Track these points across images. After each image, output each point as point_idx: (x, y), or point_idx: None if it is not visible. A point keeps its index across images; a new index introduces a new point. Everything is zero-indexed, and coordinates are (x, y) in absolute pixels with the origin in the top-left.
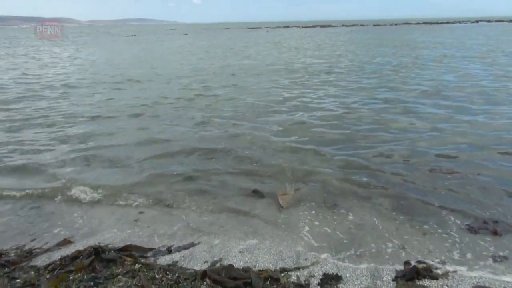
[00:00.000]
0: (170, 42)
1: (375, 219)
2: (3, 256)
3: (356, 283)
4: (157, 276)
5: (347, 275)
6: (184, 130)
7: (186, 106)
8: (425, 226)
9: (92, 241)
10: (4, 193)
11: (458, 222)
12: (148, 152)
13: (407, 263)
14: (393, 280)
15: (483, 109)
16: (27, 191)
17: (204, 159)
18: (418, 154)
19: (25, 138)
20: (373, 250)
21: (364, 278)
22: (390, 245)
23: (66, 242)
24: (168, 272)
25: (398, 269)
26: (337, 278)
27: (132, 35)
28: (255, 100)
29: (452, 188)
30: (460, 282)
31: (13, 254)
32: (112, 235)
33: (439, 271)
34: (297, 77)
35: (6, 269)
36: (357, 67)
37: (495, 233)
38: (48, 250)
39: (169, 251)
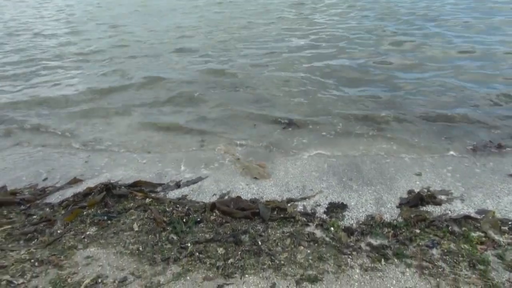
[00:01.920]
0: None
1: (380, 146)
2: (18, 194)
3: (361, 210)
4: (167, 209)
5: (352, 203)
6: None
7: None
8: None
9: (102, 179)
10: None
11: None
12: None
13: (410, 191)
14: (397, 207)
15: None
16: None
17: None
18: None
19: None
20: (377, 178)
21: (369, 205)
22: (393, 170)
23: (76, 180)
24: (178, 205)
25: (402, 197)
26: (343, 206)
27: None
28: None
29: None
30: (464, 207)
31: (27, 193)
32: (121, 173)
33: (442, 197)
34: None
35: (22, 207)
36: None
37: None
38: (60, 188)
39: (178, 186)
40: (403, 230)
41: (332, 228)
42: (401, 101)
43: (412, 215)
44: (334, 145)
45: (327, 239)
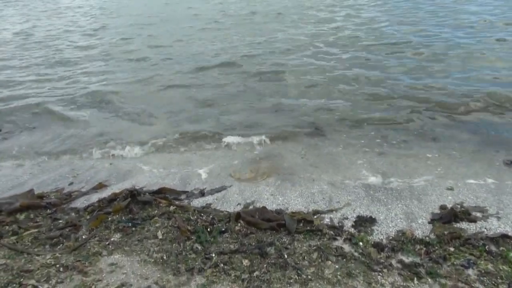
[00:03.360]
0: None
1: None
2: (44, 198)
3: (390, 225)
4: (192, 218)
5: (381, 217)
6: None
7: None
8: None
9: (126, 185)
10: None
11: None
12: None
13: (443, 206)
14: (429, 222)
15: None
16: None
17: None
18: None
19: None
20: (407, 191)
21: (398, 220)
22: (423, 183)
23: (101, 186)
24: (202, 214)
25: (434, 212)
26: (371, 220)
27: None
28: None
29: None
30: (501, 225)
31: (53, 197)
32: (146, 179)
33: (477, 214)
34: None
35: (49, 211)
36: None
37: None
38: (85, 193)
39: (202, 194)
40: (436, 247)
41: (361, 243)
42: (433, 108)
43: (445, 232)
44: (361, 154)
45: (356, 254)
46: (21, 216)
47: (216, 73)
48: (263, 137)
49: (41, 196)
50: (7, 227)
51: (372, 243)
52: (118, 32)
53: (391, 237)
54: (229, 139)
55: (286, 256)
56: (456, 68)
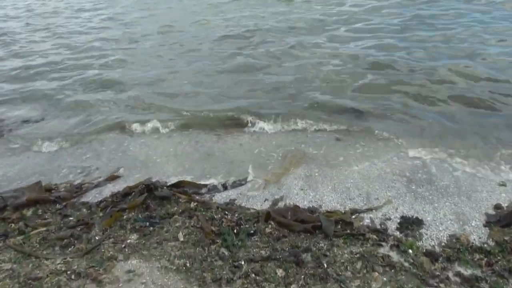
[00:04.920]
0: None
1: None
2: (53, 191)
3: (440, 228)
4: (215, 217)
5: (428, 218)
6: None
7: None
8: None
9: (142, 176)
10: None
11: None
12: None
13: (497, 206)
14: (484, 225)
15: None
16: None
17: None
18: None
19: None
20: (453, 186)
21: (449, 222)
22: (470, 178)
23: (114, 177)
24: (227, 212)
25: (489, 213)
26: (418, 222)
27: None
28: None
29: None
30: None
31: (63, 189)
32: (163, 170)
33: None
34: None
35: (58, 206)
36: None
37: None
38: (97, 185)
39: (225, 187)
40: (499, 257)
41: (410, 251)
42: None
43: (506, 238)
44: (398, 145)
45: (406, 264)
46: (28, 212)
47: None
48: (292, 121)
49: (49, 189)
50: (13, 225)
51: (424, 251)
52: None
53: (443, 244)
54: (258, 125)
55: (325, 265)
56: None
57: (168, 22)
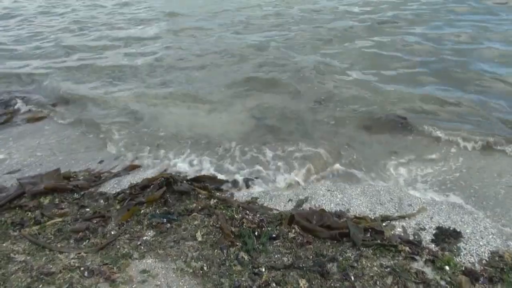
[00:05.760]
0: None
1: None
2: (71, 179)
3: (481, 243)
4: (236, 216)
5: (467, 230)
6: None
7: None
8: None
9: (161, 167)
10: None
11: None
12: None
13: None
14: None
15: None
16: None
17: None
18: None
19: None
20: (492, 197)
21: (490, 236)
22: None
23: (134, 167)
24: (248, 212)
25: None
26: (456, 235)
27: None
28: None
29: None
30: None
31: (81, 178)
32: (183, 163)
33: None
34: None
35: (76, 195)
36: None
37: None
38: (116, 175)
39: (247, 185)
40: None
41: (447, 268)
42: None
43: None
44: (429, 149)
45: (443, 283)
46: (45, 200)
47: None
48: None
49: (68, 177)
50: (29, 213)
51: (463, 269)
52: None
53: (484, 261)
54: None
55: (353, 278)
56: None
57: None
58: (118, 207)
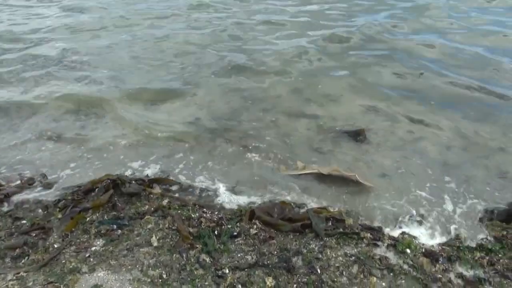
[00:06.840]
0: None
1: None
2: (0, 188)
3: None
4: (193, 216)
5: (422, 212)
6: None
7: None
8: None
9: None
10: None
11: None
12: None
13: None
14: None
15: None
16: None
17: None
18: None
19: None
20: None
21: (444, 216)
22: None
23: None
24: (206, 210)
25: (488, 208)
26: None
27: None
28: None
29: None
30: None
31: (13, 186)
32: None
33: None
34: None
35: (6, 206)
36: None
37: None
38: (54, 181)
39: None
40: (500, 255)
41: (408, 251)
42: None
43: (504, 233)
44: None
45: (405, 267)
46: None
47: None
48: None
49: None
50: None
51: (423, 251)
52: None
53: (442, 242)
54: None
55: (319, 270)
56: None
57: None
58: (59, 215)
